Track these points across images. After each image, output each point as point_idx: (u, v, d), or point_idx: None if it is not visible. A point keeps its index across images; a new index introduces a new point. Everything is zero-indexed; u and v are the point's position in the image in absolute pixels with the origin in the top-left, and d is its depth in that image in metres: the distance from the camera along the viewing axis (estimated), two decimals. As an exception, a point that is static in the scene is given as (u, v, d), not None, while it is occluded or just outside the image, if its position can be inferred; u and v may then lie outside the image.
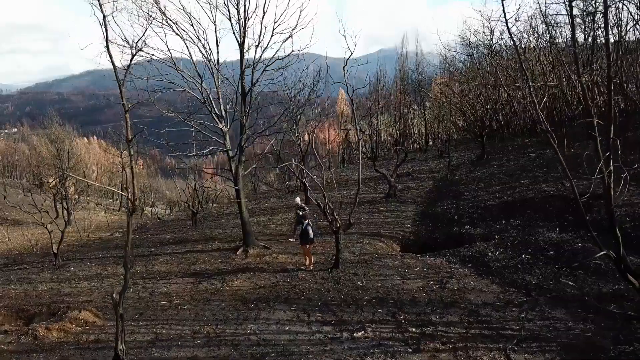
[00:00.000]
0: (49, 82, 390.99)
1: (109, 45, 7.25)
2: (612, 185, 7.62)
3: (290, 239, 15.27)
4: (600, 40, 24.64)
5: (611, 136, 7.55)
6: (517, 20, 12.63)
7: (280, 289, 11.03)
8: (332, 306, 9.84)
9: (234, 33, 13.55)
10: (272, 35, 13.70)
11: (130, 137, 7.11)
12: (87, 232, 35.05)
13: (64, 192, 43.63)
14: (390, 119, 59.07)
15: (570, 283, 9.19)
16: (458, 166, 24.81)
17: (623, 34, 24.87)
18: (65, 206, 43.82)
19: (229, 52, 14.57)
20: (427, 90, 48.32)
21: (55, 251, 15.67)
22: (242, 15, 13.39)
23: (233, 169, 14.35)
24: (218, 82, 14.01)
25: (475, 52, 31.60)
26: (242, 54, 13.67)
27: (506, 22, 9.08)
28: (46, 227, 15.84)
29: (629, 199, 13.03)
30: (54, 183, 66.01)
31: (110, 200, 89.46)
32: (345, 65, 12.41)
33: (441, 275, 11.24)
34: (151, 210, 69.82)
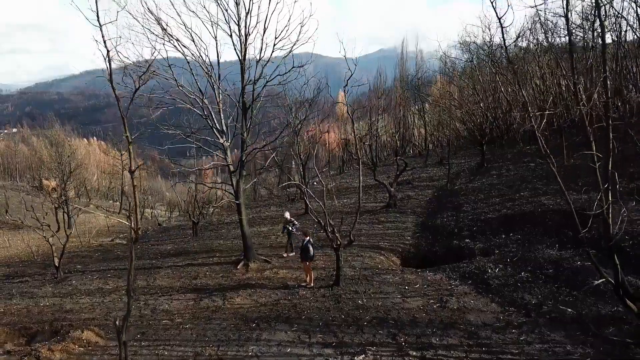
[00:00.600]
0: (48, 82, 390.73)
1: (112, 78, 7.23)
2: (610, 220, 7.70)
3: (284, 254, 15.31)
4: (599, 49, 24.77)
5: (609, 169, 7.62)
6: (519, 35, 12.74)
7: (281, 308, 11.09)
8: (333, 327, 9.91)
9: (235, 49, 13.60)
10: (272, 52, 13.74)
11: (134, 167, 7.15)
12: (88, 238, 35.16)
13: (64, 197, 43.71)
14: (390, 121, 59.35)
15: (569, 310, 9.25)
16: (458, 174, 24.88)
17: (622, 39, 25.01)
18: (66, 210, 43.96)
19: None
20: (427, 96, 48.45)
21: (56, 264, 15.72)
22: (243, 32, 13.44)
23: (234, 183, 14.39)
24: (219, 97, 14.05)
25: (475, 57, 31.68)
26: (242, 70, 13.72)
27: (502, 34, 9.13)
28: (48, 240, 15.85)
29: (628, 215, 13.10)
30: (53, 186, 66.23)
31: (110, 201, 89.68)
32: (346, 85, 12.35)
33: (441, 293, 11.30)
34: (151, 213, 69.86)
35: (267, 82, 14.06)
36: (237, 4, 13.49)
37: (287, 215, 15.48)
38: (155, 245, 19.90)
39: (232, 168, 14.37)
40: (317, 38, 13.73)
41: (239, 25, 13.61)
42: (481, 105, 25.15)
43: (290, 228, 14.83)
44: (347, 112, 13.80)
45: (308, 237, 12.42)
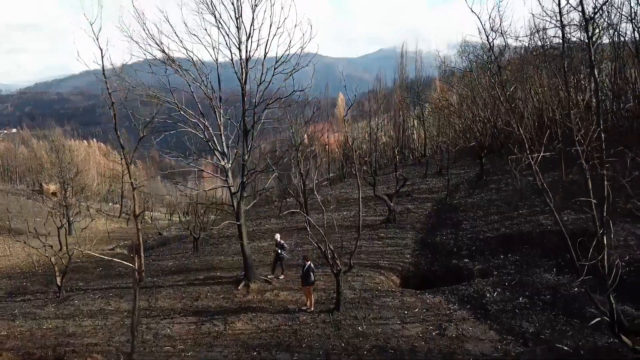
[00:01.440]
0: (48, 82, 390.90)
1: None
2: (606, 268, 7.87)
3: (280, 277, 15.33)
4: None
5: (604, 214, 7.77)
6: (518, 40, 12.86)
7: (281, 334, 11.22)
8: (333, 356, 10.05)
9: (235, 73, 13.72)
10: (273, 75, 13.87)
11: (137, 212, 7.27)
12: (89, 246, 35.21)
13: (65, 204, 43.83)
14: (389, 123, 59.62)
15: (566, 348, 9.37)
16: (457, 187, 25.02)
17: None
18: (66, 217, 44.03)
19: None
20: (425, 102, 48.62)
21: (59, 284, 15.83)
22: (244, 56, 13.56)
23: (235, 205, 14.52)
24: (221, 120, 14.18)
25: (473, 66, 31.81)
26: (243, 94, 13.84)
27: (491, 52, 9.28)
28: (51, 260, 15.97)
29: (624, 239, 13.27)
30: (54, 190, 66.38)
31: (110, 204, 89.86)
32: (348, 112, 12.43)
33: (440, 319, 11.44)
34: (151, 216, 70.02)
35: (268, 105, 14.16)
36: (238, 29, 13.62)
37: (278, 237, 15.50)
38: (157, 261, 20.00)
39: (233, 189, 14.48)
40: (316, 62, 13.80)
41: (239, 49, 13.75)
42: (479, 118, 25.25)
43: (279, 251, 14.96)
44: (346, 135, 13.77)
45: (309, 262, 12.54)
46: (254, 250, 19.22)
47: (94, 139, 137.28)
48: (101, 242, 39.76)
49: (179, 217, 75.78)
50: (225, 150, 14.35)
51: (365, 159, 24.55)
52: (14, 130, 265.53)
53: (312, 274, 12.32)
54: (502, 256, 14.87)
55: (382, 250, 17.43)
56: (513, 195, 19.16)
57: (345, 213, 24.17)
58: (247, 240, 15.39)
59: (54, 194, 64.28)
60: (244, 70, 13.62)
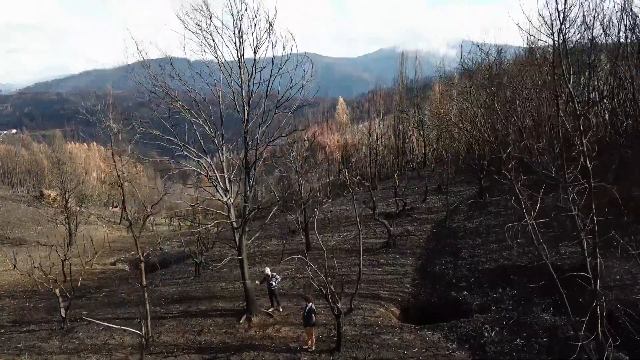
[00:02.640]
0: (48, 82, 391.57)
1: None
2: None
3: (280, 309, 15.48)
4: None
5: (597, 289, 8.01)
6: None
7: (283, 377, 11.43)
8: (334, 402, 10.25)
9: (237, 112, 13.93)
10: (275, 113, 14.08)
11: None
12: (91, 260, 35.43)
13: (66, 213, 44.03)
14: (389, 125, 60.05)
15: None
16: (456, 207, 25.25)
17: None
18: (67, 227, 44.25)
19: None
20: (424, 112, 48.88)
21: (63, 315, 16.01)
22: (245, 96, 13.76)
23: (237, 239, 14.73)
24: (223, 156, 14.38)
25: (474, 83, 32.04)
26: (245, 132, 14.05)
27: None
28: (55, 292, 16.15)
29: (620, 279, 13.49)
30: (54, 196, 66.51)
31: (111, 207, 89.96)
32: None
33: (439, 360, 11.66)
34: (152, 222, 70.09)
35: (269, 142, 14.37)
36: (240, 67, 13.82)
37: (267, 270, 15.58)
38: (159, 286, 20.19)
39: (235, 225, 14.69)
40: (312, 100, 13.94)
41: (241, 87, 13.95)
42: (477, 139, 25.46)
43: (273, 283, 15.14)
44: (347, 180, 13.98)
45: (310, 304, 12.73)
46: (255, 277, 19.42)
47: (94, 142, 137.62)
48: (102, 254, 39.99)
49: (179, 224, 76.34)
50: (228, 186, 14.53)
51: (364, 182, 24.63)
52: (14, 130, 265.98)
53: (313, 315, 12.52)
54: (500, 289, 15.08)
55: (382, 279, 17.64)
56: (510, 229, 19.37)
57: (345, 234, 24.40)
58: (247, 263, 15.61)
59: (54, 199, 64.56)
60: (245, 109, 13.81)
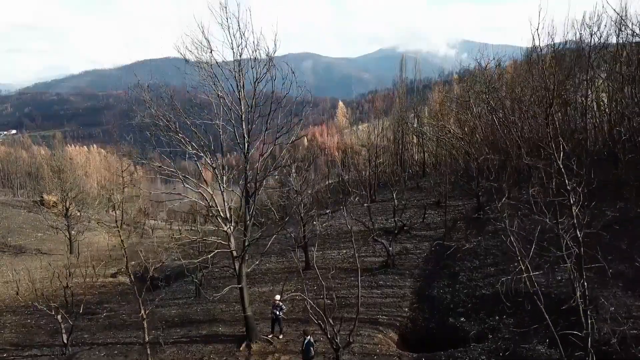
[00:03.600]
0: (47, 82, 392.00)
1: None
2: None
3: (280, 336, 15.66)
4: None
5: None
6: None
7: (283, 411, 11.60)
8: None
9: (239, 147, 14.10)
10: (274, 145, 14.24)
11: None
12: (92, 272, 35.55)
13: (67, 224, 44.19)
14: (389, 126, 60.50)
15: None
16: (455, 223, 25.43)
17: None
18: (68, 236, 44.43)
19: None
20: (422, 123, 49.10)
21: (65, 341, 16.18)
22: (245, 131, 13.95)
23: (236, 267, 14.91)
24: (223, 186, 14.55)
25: (473, 100, 32.21)
26: (246, 166, 14.22)
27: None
28: (57, 318, 16.30)
29: (615, 311, 13.64)
30: (54, 201, 66.69)
31: (111, 210, 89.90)
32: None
33: (436, 395, 11.84)
34: (152, 228, 70.36)
35: (268, 174, 14.54)
36: (239, 99, 13.99)
37: (277, 298, 15.79)
38: (160, 307, 20.34)
39: (235, 253, 14.87)
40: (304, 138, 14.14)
41: (242, 119, 14.12)
42: (475, 157, 25.60)
43: (277, 312, 15.32)
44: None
45: (309, 337, 12.90)
46: (254, 297, 19.62)
47: (94, 145, 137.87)
48: (103, 264, 40.10)
49: (179, 229, 76.26)
50: (228, 215, 14.70)
51: (364, 194, 24.77)
52: (14, 131, 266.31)
53: (312, 348, 12.69)
54: (497, 317, 15.26)
55: (380, 303, 17.82)
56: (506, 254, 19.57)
57: (345, 251, 24.57)
58: (247, 292, 15.80)
59: (54, 204, 64.69)
60: (246, 143, 13.98)
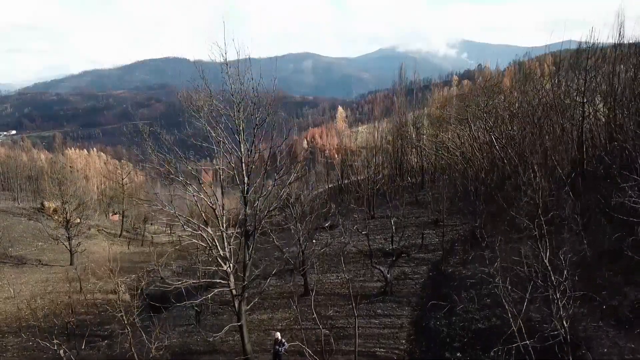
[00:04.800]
0: (47, 82, 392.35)
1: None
2: None
3: None
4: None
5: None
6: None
7: None
8: None
9: (242, 196, 14.34)
10: (273, 186, 14.47)
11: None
12: (93, 287, 35.82)
13: (68, 235, 44.38)
14: (389, 127, 61.05)
15: None
16: (452, 246, 25.70)
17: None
18: (69, 247, 44.63)
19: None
20: (422, 130, 49.35)
21: (67, 376, 16.40)
22: (245, 171, 14.17)
23: (236, 306, 15.15)
24: (223, 225, 14.78)
25: (471, 119, 32.45)
26: (245, 207, 14.46)
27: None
28: (61, 355, 16.51)
29: (608, 352, 13.88)
30: (55, 207, 66.90)
31: (110, 214, 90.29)
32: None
33: None
34: (152, 235, 70.59)
35: (267, 214, 14.78)
36: (240, 143, 14.22)
37: (278, 335, 16.01)
38: (161, 332, 20.55)
39: (235, 292, 15.10)
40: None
41: (242, 161, 14.35)
42: (473, 181, 25.84)
43: (279, 349, 15.54)
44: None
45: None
46: (253, 326, 19.87)
47: (94, 148, 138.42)
48: (103, 276, 40.32)
49: (179, 236, 76.37)
50: (228, 254, 14.94)
51: (363, 232, 24.95)
52: (13, 132, 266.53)
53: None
54: (492, 353, 15.49)
55: (378, 334, 18.07)
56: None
57: (344, 275, 24.78)
58: (247, 331, 16.07)
59: (55, 211, 64.95)
60: (246, 185, 14.22)
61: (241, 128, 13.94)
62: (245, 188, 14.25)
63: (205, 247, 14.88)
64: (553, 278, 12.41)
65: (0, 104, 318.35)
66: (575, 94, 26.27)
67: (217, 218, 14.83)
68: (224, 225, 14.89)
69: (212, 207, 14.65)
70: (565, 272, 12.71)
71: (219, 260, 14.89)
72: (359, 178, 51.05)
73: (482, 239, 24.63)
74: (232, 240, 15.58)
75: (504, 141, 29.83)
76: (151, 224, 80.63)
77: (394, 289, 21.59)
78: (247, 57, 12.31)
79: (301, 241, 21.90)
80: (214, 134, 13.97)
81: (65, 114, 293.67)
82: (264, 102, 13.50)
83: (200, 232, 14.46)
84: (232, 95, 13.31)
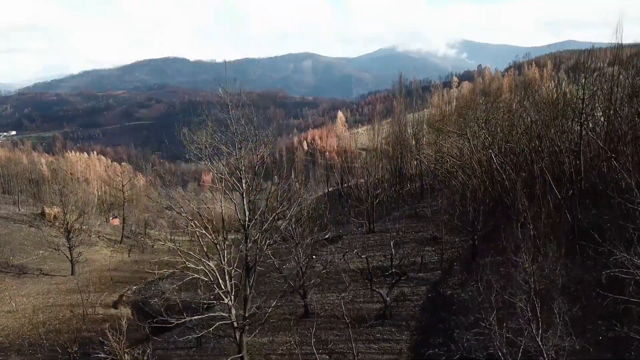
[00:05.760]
0: (47, 82, 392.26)
1: None
2: None
3: None
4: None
5: None
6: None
7: None
8: None
9: (245, 238, 14.56)
10: (272, 220, 14.67)
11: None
12: (94, 300, 35.99)
13: (69, 245, 44.54)
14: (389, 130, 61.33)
15: None
16: (451, 265, 25.93)
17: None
18: (70, 258, 44.81)
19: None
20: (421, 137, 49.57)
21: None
22: (247, 206, 14.39)
23: (237, 337, 15.38)
24: (224, 260, 15.00)
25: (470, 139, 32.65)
26: (247, 237, 14.68)
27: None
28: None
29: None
30: (55, 213, 67.09)
31: (111, 217, 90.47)
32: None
33: None
34: (153, 243, 70.73)
35: (270, 245, 15.01)
36: (242, 196, 14.43)
37: None
38: (162, 352, 20.82)
39: (236, 325, 15.33)
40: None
41: (242, 195, 14.57)
42: (471, 202, 26.02)
43: None
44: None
45: None
46: (254, 350, 20.10)
47: (94, 152, 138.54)
48: (104, 288, 40.55)
49: (179, 243, 76.12)
50: (229, 288, 15.16)
51: (363, 256, 25.20)
52: (13, 132, 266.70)
53: None
54: (489, 384, 15.72)
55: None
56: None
57: (344, 294, 25.00)
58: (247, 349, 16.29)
59: (55, 217, 65.15)
60: (247, 220, 14.43)
61: (242, 166, 14.17)
62: (247, 224, 14.47)
63: (207, 280, 15.06)
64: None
65: (0, 105, 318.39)
66: (572, 115, 26.48)
67: (219, 252, 15.04)
68: (225, 258, 15.11)
69: (214, 243, 14.87)
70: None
71: (221, 295, 15.11)
72: (358, 182, 51.33)
73: (478, 262, 24.85)
74: (232, 274, 15.80)
75: (502, 159, 30.07)
76: (152, 229, 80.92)
77: (393, 312, 21.81)
78: (250, 103, 12.57)
79: (301, 264, 22.11)
80: (216, 172, 14.18)
81: (65, 115, 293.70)
82: (265, 139, 13.68)
83: (203, 263, 14.68)
84: (234, 135, 13.52)
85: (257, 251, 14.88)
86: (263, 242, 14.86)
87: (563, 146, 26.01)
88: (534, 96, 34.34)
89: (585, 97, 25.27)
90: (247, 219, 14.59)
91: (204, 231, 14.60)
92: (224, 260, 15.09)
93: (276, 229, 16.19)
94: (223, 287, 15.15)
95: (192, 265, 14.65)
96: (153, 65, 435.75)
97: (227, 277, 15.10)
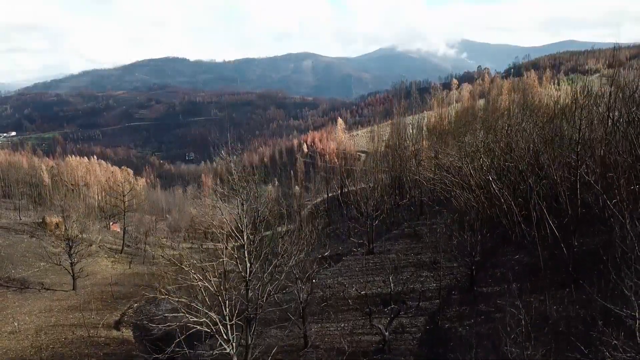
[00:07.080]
0: (47, 82, 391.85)
1: None
2: None
3: None
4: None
5: None
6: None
7: None
8: None
9: (246, 287, 14.84)
10: (272, 267, 14.97)
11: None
12: (95, 319, 36.27)
13: (71, 261, 44.80)
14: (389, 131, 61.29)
15: None
16: (449, 293, 26.23)
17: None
18: (71, 273, 45.08)
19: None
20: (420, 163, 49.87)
21: None
22: (247, 256, 14.68)
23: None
24: (226, 310, 15.30)
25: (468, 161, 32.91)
26: (247, 287, 14.98)
27: None
28: None
29: None
30: (56, 222, 67.42)
31: (111, 222, 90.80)
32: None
33: None
34: (153, 255, 70.99)
35: (270, 295, 15.30)
36: (242, 232, 14.71)
37: None
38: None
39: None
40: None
41: (245, 257, 14.86)
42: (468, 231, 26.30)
43: None
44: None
45: None
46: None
47: (94, 156, 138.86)
48: (105, 306, 40.85)
49: (184, 239, 76.79)
50: (231, 338, 15.46)
51: (362, 281, 25.52)
52: (13, 133, 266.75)
53: None
54: None
55: (376, 400, 18.61)
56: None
57: (343, 324, 25.32)
58: None
59: (56, 226, 65.52)
60: (247, 279, 14.71)
61: (244, 221, 14.46)
62: (247, 283, 14.77)
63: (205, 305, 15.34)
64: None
65: (0, 105, 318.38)
66: (569, 142, 26.75)
67: (222, 302, 15.33)
68: (227, 311, 15.39)
69: (217, 295, 15.15)
70: None
71: (223, 344, 15.41)
72: (358, 190, 51.63)
73: (476, 292, 25.17)
74: (234, 325, 16.07)
75: (500, 184, 30.33)
76: (151, 236, 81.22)
77: (392, 346, 22.11)
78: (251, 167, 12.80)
79: (300, 297, 22.41)
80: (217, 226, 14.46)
81: (65, 115, 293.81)
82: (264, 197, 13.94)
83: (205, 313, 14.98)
84: (236, 192, 13.80)
85: (258, 303, 15.19)
86: (263, 295, 15.17)
87: (557, 176, 26.26)
88: (534, 121, 34.45)
89: (582, 127, 25.52)
90: (247, 271, 14.89)
91: (206, 283, 14.89)
92: (226, 311, 15.38)
93: (279, 275, 16.44)
94: (224, 336, 15.46)
95: (195, 319, 14.95)
96: (153, 65, 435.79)
97: (229, 329, 15.41)
